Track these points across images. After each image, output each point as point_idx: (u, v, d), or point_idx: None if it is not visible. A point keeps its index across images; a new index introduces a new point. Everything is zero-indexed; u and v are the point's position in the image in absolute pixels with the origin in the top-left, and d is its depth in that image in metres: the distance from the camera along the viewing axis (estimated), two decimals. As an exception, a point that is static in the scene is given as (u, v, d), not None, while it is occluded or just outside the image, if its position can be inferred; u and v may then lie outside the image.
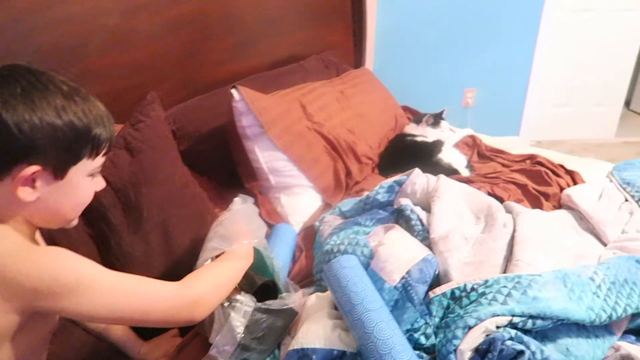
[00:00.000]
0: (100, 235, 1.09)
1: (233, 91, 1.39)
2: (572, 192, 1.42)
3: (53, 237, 1.00)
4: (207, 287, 0.84)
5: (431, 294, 0.96)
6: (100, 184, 0.82)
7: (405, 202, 1.21)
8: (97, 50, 1.41)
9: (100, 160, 0.77)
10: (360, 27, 2.37)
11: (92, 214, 1.08)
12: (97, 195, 1.10)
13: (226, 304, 0.92)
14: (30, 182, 0.70)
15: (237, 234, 0.97)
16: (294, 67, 1.96)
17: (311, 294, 1.04)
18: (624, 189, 1.48)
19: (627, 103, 4.14)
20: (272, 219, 1.40)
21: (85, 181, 0.76)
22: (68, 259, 0.71)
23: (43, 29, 1.28)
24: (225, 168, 1.54)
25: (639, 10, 3.09)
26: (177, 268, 1.11)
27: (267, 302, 0.96)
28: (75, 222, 0.82)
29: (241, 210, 1.07)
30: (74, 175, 0.73)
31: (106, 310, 0.72)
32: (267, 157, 1.42)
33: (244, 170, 1.45)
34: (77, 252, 1.05)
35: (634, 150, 3.33)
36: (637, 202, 1.42)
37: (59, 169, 0.71)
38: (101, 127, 0.73)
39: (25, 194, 0.70)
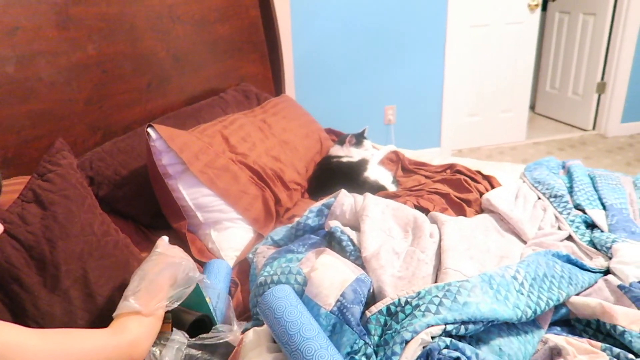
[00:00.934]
0: (13, 299, 1.01)
1: (149, 130, 1.35)
2: (491, 196, 1.50)
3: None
4: (140, 326, 0.81)
5: (368, 313, 0.97)
6: None
7: (334, 224, 1.22)
8: (-1, 100, 1.33)
9: None
10: (277, 55, 2.41)
11: (3, 276, 1.00)
12: (6, 256, 1.03)
13: (157, 343, 0.89)
14: None
15: (154, 291, 0.93)
16: (213, 100, 1.95)
17: (248, 329, 1.01)
18: (536, 187, 1.59)
19: (532, 107, 4.48)
20: (204, 256, 1.36)
21: None
22: None
23: None
24: (149, 210, 1.49)
25: (528, 22, 3.38)
26: (103, 323, 1.05)
27: (202, 336, 0.95)
28: None
29: (162, 253, 1.03)
30: None
31: None
32: (192, 194, 1.38)
33: (170, 210, 1.41)
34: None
35: (543, 149, 3.59)
36: (547, 198, 1.53)
37: None
38: None
39: None
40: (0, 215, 1.07)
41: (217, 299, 1.10)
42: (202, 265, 1.33)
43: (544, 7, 4.05)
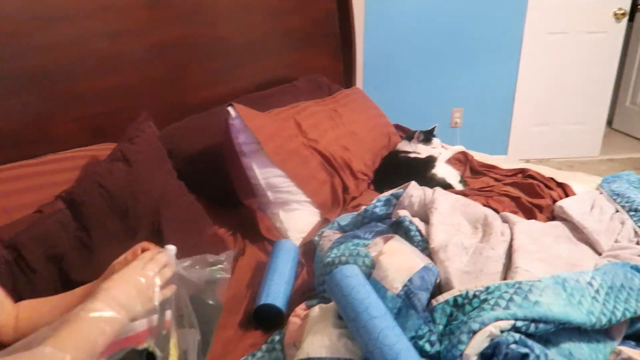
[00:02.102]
0: (96, 240, 1.08)
1: (229, 109, 1.41)
2: (565, 204, 1.45)
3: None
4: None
5: (434, 302, 0.97)
6: None
7: (403, 213, 1.22)
8: (85, 74, 1.43)
9: None
10: (350, 49, 2.42)
11: (87, 220, 1.08)
12: (93, 202, 1.11)
13: None
14: None
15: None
16: (285, 87, 1.99)
17: (313, 305, 1.03)
18: (614, 200, 1.51)
19: (609, 122, 4.25)
20: (271, 235, 1.40)
21: None
22: None
23: (29, 52, 1.29)
24: (219, 186, 1.55)
25: (613, 32, 3.21)
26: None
27: None
28: None
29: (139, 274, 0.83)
30: None
31: None
32: (264, 173, 1.43)
33: (241, 187, 1.46)
34: (71, 258, 1.04)
35: (617, 166, 3.40)
36: (627, 212, 1.45)
37: None
38: None
39: None
40: (94, 169, 1.17)
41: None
42: (270, 243, 1.37)
43: (631, 17, 3.84)
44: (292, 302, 1.12)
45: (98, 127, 1.47)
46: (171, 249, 0.88)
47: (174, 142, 1.52)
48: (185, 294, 0.85)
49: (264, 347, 1.00)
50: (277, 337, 1.01)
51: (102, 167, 1.17)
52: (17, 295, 0.95)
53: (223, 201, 1.52)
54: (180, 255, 1.13)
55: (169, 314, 0.80)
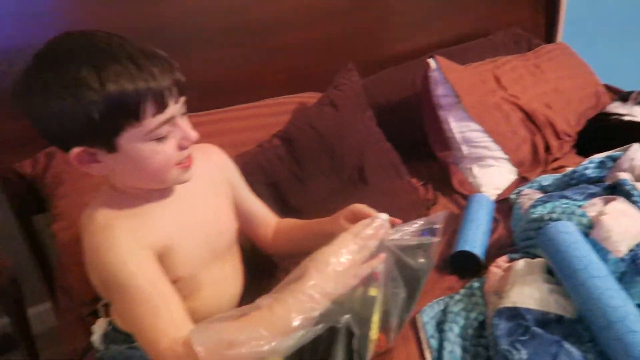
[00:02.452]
0: (307, 173, 1.20)
1: (430, 60, 1.40)
2: None
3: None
4: None
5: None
6: (185, 137, 0.71)
7: (624, 176, 1.10)
8: (292, 27, 1.52)
9: (152, 122, 0.66)
10: (553, 0, 2.20)
11: (300, 155, 1.20)
12: (305, 141, 1.22)
13: None
14: (91, 158, 0.68)
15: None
16: (481, 41, 1.90)
17: (515, 259, 1.00)
18: None
19: None
20: (463, 188, 1.39)
21: (146, 147, 0.67)
22: None
23: (249, 8, 1.42)
24: (412, 139, 1.57)
25: None
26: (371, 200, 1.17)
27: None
28: (185, 177, 0.74)
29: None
30: (127, 145, 0.67)
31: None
32: (460, 127, 1.40)
33: (436, 139, 1.46)
34: (286, 186, 1.17)
35: None
36: None
37: (104, 145, 0.67)
38: (135, 92, 0.63)
39: (94, 169, 0.70)
40: (306, 112, 1.28)
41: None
42: (462, 197, 1.36)
43: None
44: (489, 254, 1.10)
45: (303, 76, 1.59)
46: (383, 217, 0.80)
47: (370, 93, 1.56)
48: (391, 258, 0.79)
49: (462, 291, 1.02)
50: (476, 284, 1.01)
51: (313, 110, 1.28)
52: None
53: (415, 152, 1.54)
54: (382, 199, 1.20)
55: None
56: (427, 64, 1.41)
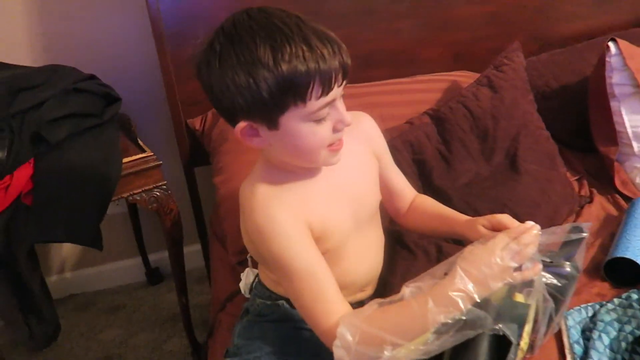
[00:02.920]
0: (455, 154, 1.18)
1: (610, 44, 1.27)
2: None
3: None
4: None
5: None
6: (341, 120, 0.72)
7: None
8: (463, 0, 1.48)
9: (316, 104, 0.68)
10: None
11: (449, 135, 1.19)
12: (456, 121, 1.19)
13: None
14: (253, 132, 0.72)
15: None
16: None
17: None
18: None
19: None
20: (627, 189, 1.25)
21: (305, 127, 0.69)
22: None
23: None
24: (570, 127, 1.44)
25: None
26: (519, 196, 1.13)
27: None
28: (334, 159, 0.76)
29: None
30: (288, 123, 0.69)
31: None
32: (634, 120, 1.26)
33: (601, 132, 1.33)
34: (431, 165, 1.16)
35: None
36: None
37: (267, 121, 0.70)
38: (307, 71, 0.65)
39: (254, 143, 0.73)
40: (461, 92, 1.24)
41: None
42: (623, 198, 1.24)
43: None
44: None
45: (459, 53, 1.54)
46: (535, 227, 0.72)
47: (530, 76, 1.47)
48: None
49: (616, 300, 0.93)
50: (635, 296, 0.92)
51: (469, 90, 1.24)
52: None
53: (573, 143, 1.42)
54: (533, 190, 1.13)
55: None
56: (607, 47, 1.28)
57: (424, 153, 1.17)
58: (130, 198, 1.26)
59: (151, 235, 1.79)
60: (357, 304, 0.81)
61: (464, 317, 0.64)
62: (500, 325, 0.67)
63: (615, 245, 1.03)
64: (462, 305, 0.64)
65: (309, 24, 0.68)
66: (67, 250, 1.80)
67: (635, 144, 1.27)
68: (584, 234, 0.74)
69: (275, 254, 0.73)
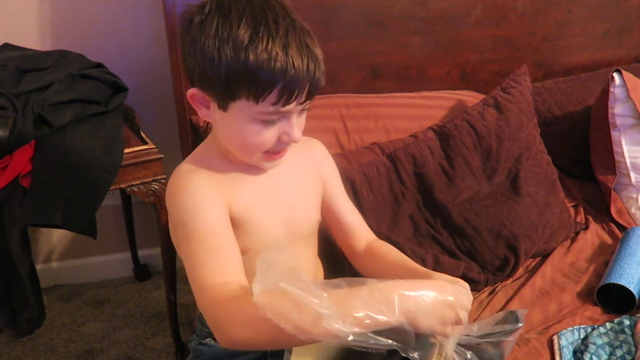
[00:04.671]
0: (456, 170, 1.19)
1: (615, 74, 1.30)
2: None
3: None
4: (246, 329, 0.59)
5: None
6: (288, 134, 0.70)
7: None
8: (474, 22, 1.51)
9: (267, 108, 0.66)
10: None
11: (453, 151, 1.20)
12: (460, 138, 1.20)
13: None
14: (205, 103, 0.70)
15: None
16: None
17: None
18: None
19: None
20: (622, 219, 1.27)
21: (250, 123, 0.68)
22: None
23: None
24: (570, 155, 1.47)
25: None
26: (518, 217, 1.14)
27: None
28: (267, 164, 0.75)
29: None
30: (236, 113, 0.68)
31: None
32: (633, 152, 1.28)
33: (601, 160, 1.35)
34: (433, 179, 1.16)
35: None
36: None
37: (219, 100, 0.68)
38: (270, 75, 0.63)
39: (202, 112, 0.71)
40: (467, 110, 1.26)
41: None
42: (618, 227, 1.25)
43: None
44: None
45: (465, 73, 1.56)
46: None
47: (535, 101, 1.49)
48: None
49: (608, 325, 0.94)
50: (627, 322, 0.93)
51: (475, 109, 1.25)
52: (390, 195, 1.13)
53: (571, 170, 1.45)
54: (531, 212, 1.14)
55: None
56: (611, 78, 1.30)
57: (425, 167, 1.17)
58: (128, 189, 1.25)
59: (142, 231, 1.78)
60: None
61: (391, 322, 0.57)
62: (419, 354, 0.60)
63: (608, 271, 1.04)
64: (392, 309, 0.57)
65: (299, 33, 0.65)
66: (56, 239, 1.78)
67: (632, 175, 1.29)
68: (519, 325, 0.68)
69: (182, 213, 0.69)
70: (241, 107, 0.67)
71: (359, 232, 0.90)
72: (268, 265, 0.58)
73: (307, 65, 0.64)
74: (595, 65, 1.69)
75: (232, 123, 0.69)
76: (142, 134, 1.29)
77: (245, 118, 0.68)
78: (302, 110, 0.71)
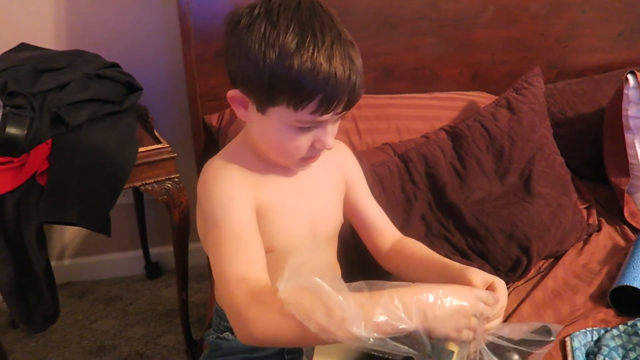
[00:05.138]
0: (468, 171, 1.19)
1: (629, 76, 1.29)
2: None
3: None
4: (270, 323, 0.59)
5: None
6: (322, 142, 0.71)
7: None
8: (486, 23, 1.50)
9: (305, 116, 0.67)
10: None
11: (465, 152, 1.20)
12: (472, 138, 1.20)
13: None
14: (244, 104, 0.72)
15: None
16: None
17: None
18: None
19: None
20: (635, 221, 1.26)
21: (285, 130, 0.69)
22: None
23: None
24: (581, 156, 1.46)
25: None
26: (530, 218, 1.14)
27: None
28: (301, 167, 0.77)
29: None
30: (274, 117, 0.69)
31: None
32: (647, 153, 1.27)
33: (614, 162, 1.34)
34: (444, 179, 1.16)
35: None
36: None
37: (259, 103, 0.69)
38: (312, 85, 0.64)
39: (240, 112, 0.73)
40: (480, 111, 1.26)
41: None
42: (631, 229, 1.24)
43: None
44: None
45: (477, 74, 1.56)
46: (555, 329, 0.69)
47: (548, 102, 1.49)
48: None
49: (621, 327, 0.94)
50: (640, 324, 0.93)
51: (487, 110, 1.25)
52: (402, 195, 1.13)
53: (583, 173, 1.44)
54: (543, 213, 1.14)
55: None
56: (625, 79, 1.30)
57: (437, 167, 1.17)
58: (142, 188, 1.26)
59: (154, 230, 1.79)
60: None
61: (409, 329, 0.58)
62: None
63: (622, 273, 1.04)
64: (411, 316, 0.57)
65: (343, 45, 0.66)
66: (68, 237, 1.80)
67: (646, 177, 1.28)
68: (551, 339, 0.68)
69: (213, 208, 0.71)
70: (279, 113, 0.68)
71: (385, 230, 0.91)
72: (299, 265, 0.59)
73: (349, 77, 0.65)
74: (608, 66, 1.67)
75: (268, 127, 0.71)
76: (156, 133, 1.31)
77: (282, 124, 0.69)
78: (335, 121, 0.72)
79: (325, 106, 0.66)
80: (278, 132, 0.70)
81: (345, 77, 0.64)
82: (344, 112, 0.70)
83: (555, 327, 0.69)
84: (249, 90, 0.69)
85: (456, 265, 0.76)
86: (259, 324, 0.60)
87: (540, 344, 0.68)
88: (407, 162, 1.19)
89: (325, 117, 0.67)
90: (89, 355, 1.56)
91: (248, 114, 0.73)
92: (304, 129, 0.69)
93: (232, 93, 0.72)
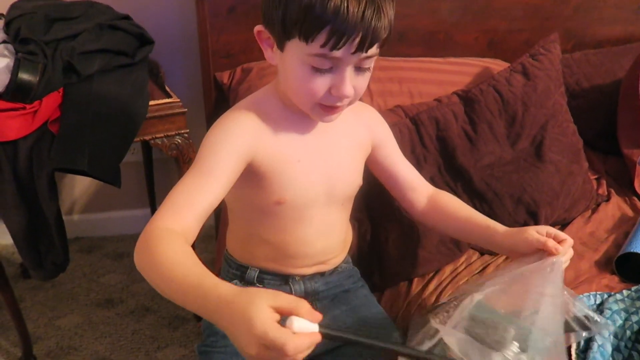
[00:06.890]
0: (480, 135, 1.18)
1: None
2: None
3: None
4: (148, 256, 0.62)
5: None
6: (338, 88, 0.69)
7: None
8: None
9: (317, 49, 0.65)
10: None
11: (477, 116, 1.19)
12: (485, 103, 1.19)
13: None
14: (269, 43, 0.72)
15: None
16: None
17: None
18: None
19: None
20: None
21: (302, 67, 0.68)
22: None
23: None
24: (594, 128, 1.45)
25: None
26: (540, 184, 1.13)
27: None
28: (324, 118, 0.75)
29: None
30: (291, 53, 0.69)
31: None
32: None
33: (627, 134, 1.33)
34: (455, 143, 1.15)
35: None
36: None
37: (278, 38, 0.69)
38: (321, 13, 0.62)
39: (266, 54, 0.74)
40: (494, 76, 1.24)
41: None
42: (640, 200, 1.24)
43: None
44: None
45: (493, 41, 1.54)
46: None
47: (564, 72, 1.46)
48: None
49: (625, 292, 0.94)
50: (645, 290, 0.93)
51: (501, 75, 1.24)
52: (412, 157, 1.13)
53: (596, 144, 1.43)
54: (554, 180, 1.14)
55: None
56: (644, 51, 1.27)
57: (448, 130, 1.17)
58: (152, 141, 1.26)
59: (162, 188, 1.80)
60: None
61: None
62: None
63: (629, 241, 1.04)
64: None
65: None
66: (78, 193, 1.81)
67: (659, 150, 1.27)
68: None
69: (203, 146, 0.72)
70: (294, 48, 0.67)
71: (419, 187, 0.92)
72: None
73: (364, 11, 0.62)
74: (627, 38, 1.64)
75: (287, 66, 0.71)
76: (167, 88, 1.30)
77: (297, 60, 0.68)
78: (359, 68, 0.69)
79: (335, 39, 0.63)
80: (295, 71, 0.70)
81: (358, 10, 0.62)
82: (361, 54, 0.66)
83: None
84: (269, 24, 0.70)
85: (501, 228, 0.81)
86: (137, 255, 0.64)
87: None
88: (418, 124, 1.18)
89: (337, 54, 0.65)
90: (97, 307, 1.59)
91: (274, 55, 0.73)
92: (319, 70, 0.68)
93: (258, 28, 0.72)
